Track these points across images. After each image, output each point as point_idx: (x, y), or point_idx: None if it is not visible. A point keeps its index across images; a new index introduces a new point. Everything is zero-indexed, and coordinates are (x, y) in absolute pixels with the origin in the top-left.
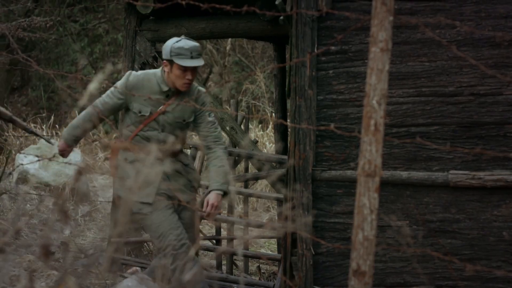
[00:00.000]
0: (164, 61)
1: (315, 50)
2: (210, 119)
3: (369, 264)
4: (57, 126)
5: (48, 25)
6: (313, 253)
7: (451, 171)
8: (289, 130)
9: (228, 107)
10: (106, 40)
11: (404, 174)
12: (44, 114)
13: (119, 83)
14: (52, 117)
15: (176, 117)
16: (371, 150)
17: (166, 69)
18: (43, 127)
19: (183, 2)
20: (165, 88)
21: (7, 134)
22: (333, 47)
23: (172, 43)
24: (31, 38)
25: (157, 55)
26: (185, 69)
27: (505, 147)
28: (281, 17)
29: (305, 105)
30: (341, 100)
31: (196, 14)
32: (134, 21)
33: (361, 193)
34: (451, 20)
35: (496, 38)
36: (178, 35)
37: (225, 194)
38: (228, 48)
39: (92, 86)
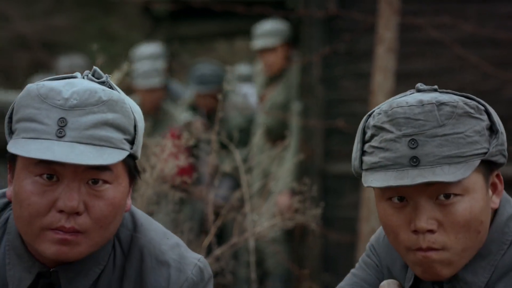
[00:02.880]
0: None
1: (324, 50)
2: (297, 107)
3: None
4: None
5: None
6: (322, 244)
7: None
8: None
9: None
10: (122, 41)
11: None
12: None
13: None
14: None
15: (272, 102)
16: None
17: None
18: None
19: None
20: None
21: None
22: (341, 47)
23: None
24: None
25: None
26: (262, 51)
27: (507, 142)
28: (292, 18)
29: (314, 103)
30: (349, 98)
31: (209, 15)
32: (150, 22)
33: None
34: (454, 20)
35: (498, 38)
36: (192, 35)
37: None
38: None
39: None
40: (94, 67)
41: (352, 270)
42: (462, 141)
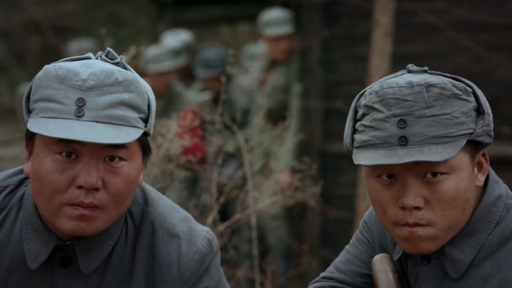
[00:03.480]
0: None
1: (323, 34)
2: (297, 88)
3: None
4: None
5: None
6: (321, 220)
7: None
8: None
9: None
10: (130, 25)
11: None
12: None
13: None
14: None
15: (274, 85)
16: None
17: (263, 41)
18: None
19: None
20: (268, 60)
21: None
22: (339, 31)
23: (263, 15)
24: (62, 24)
25: None
26: (276, 38)
27: (497, 123)
28: (293, 3)
29: (313, 85)
30: (347, 80)
31: (213, 0)
32: (156, 7)
33: None
34: (448, 5)
35: (490, 22)
36: (197, 20)
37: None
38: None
39: None
40: (108, 48)
41: (346, 247)
42: (450, 122)
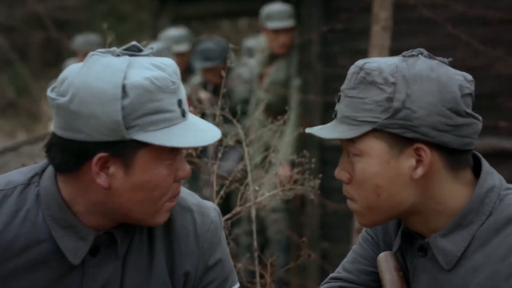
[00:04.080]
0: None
1: (322, 29)
2: (297, 82)
3: None
4: None
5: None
6: (320, 213)
7: None
8: None
9: None
10: (131, 20)
11: None
12: None
13: None
14: None
15: (273, 79)
16: None
17: (264, 34)
18: None
19: None
20: (268, 53)
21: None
22: (338, 26)
23: (265, 8)
24: (64, 19)
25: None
26: (276, 31)
27: (494, 117)
28: None
29: (313, 79)
30: (346, 74)
31: None
32: (157, 2)
33: None
34: (446, 0)
35: (488, 17)
36: (197, 15)
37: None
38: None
39: None
40: (134, 42)
41: (353, 247)
42: (360, 106)
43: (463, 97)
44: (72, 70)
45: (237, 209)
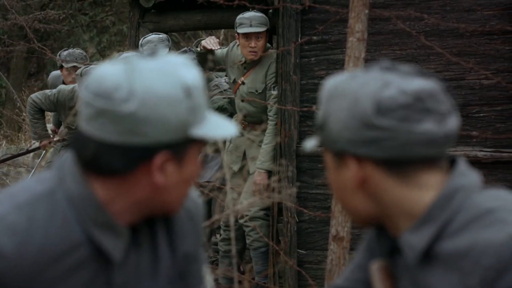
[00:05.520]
0: (236, 34)
1: (299, 40)
2: (273, 92)
3: (347, 230)
4: None
5: (61, 17)
6: (297, 220)
7: None
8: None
9: None
10: (112, 31)
11: None
12: None
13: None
14: None
15: (249, 88)
16: None
17: (238, 42)
18: None
19: None
20: (243, 60)
21: (25, 115)
22: (315, 37)
23: (238, 16)
24: (46, 29)
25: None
26: (246, 37)
27: (467, 126)
28: (270, 10)
29: (290, 89)
30: (322, 84)
31: (192, 8)
32: (138, 14)
33: None
34: (419, 13)
35: (460, 29)
36: (177, 27)
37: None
38: (221, 38)
39: None
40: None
41: (355, 254)
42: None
43: (382, 111)
44: (118, 76)
45: (216, 216)
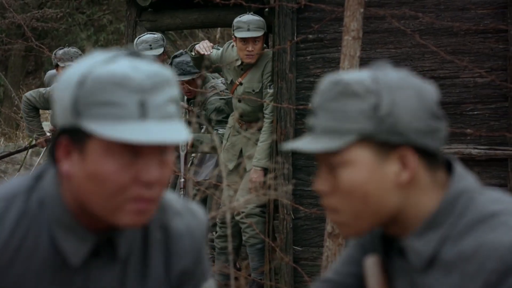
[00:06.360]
0: (233, 37)
1: (295, 38)
2: (270, 91)
3: None
4: None
5: (58, 16)
6: (293, 217)
7: None
8: None
9: None
10: (109, 30)
11: None
12: None
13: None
14: None
15: (246, 88)
16: None
17: (235, 44)
18: None
19: None
20: (238, 62)
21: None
22: (310, 36)
23: (235, 19)
24: (43, 28)
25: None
26: (244, 41)
27: (461, 124)
28: (266, 9)
29: (286, 87)
30: (318, 83)
31: (189, 6)
32: (134, 13)
33: None
34: (414, 12)
35: (454, 28)
36: (173, 25)
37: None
38: (218, 36)
39: None
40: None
41: (346, 248)
42: (343, 117)
43: (436, 103)
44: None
45: (213, 213)
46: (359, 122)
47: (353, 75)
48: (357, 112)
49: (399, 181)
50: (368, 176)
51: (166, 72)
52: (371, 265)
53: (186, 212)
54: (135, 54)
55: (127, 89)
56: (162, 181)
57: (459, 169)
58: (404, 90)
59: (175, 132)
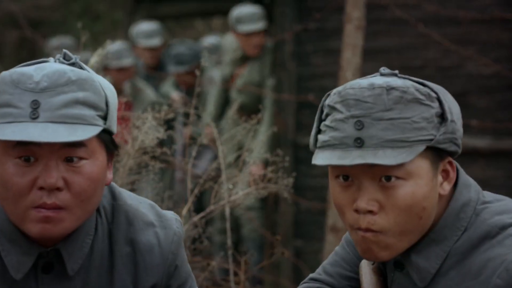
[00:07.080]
0: (232, 30)
1: (296, 28)
2: (270, 81)
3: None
4: None
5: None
6: (294, 211)
7: None
8: None
9: None
10: (106, 19)
11: None
12: None
13: None
14: None
15: (247, 79)
16: None
17: (234, 36)
18: None
19: None
20: (240, 54)
21: None
22: (311, 25)
23: (234, 12)
24: (38, 17)
25: None
26: (248, 34)
27: (466, 115)
28: None
29: (286, 78)
30: (319, 73)
31: None
32: (131, 2)
33: None
34: (418, 0)
35: (459, 17)
36: (172, 14)
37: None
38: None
39: (93, 60)
40: (64, 50)
41: (336, 248)
42: (408, 126)
43: None
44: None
45: (211, 207)
46: (426, 130)
47: (396, 81)
48: (423, 120)
49: (441, 192)
50: (428, 189)
51: (76, 73)
52: (369, 271)
53: (157, 223)
54: (66, 57)
55: (22, 89)
56: (72, 188)
57: (463, 178)
58: (448, 95)
59: (65, 133)
